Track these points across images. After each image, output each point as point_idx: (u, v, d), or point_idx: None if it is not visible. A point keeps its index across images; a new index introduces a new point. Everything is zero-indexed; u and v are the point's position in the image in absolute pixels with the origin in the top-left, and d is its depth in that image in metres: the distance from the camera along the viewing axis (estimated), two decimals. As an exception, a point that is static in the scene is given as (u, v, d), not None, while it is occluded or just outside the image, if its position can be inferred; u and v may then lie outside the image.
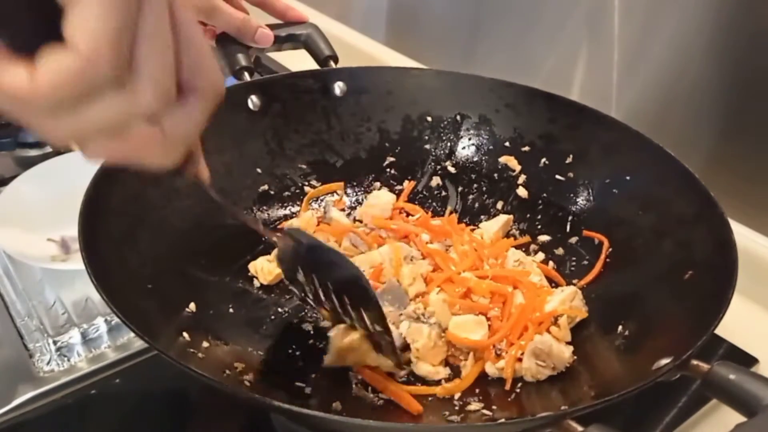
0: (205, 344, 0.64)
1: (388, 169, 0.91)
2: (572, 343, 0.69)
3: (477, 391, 0.66)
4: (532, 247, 0.84)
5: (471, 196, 0.90)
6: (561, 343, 0.67)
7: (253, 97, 0.85)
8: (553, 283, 0.78)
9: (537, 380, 0.66)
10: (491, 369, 0.67)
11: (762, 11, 0.87)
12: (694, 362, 0.53)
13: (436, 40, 1.37)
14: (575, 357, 0.67)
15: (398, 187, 0.90)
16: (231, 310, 0.73)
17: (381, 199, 0.86)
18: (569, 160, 0.85)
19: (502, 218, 0.85)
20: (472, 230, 0.85)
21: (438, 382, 0.67)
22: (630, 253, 0.75)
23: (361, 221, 0.86)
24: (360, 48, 1.40)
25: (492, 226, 0.84)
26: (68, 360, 0.74)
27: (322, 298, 0.64)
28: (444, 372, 0.68)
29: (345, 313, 0.63)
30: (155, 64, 0.36)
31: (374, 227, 0.84)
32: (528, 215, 0.86)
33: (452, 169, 0.91)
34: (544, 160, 0.87)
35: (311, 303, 0.68)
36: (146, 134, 0.38)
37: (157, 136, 0.38)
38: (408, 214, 0.86)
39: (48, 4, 0.33)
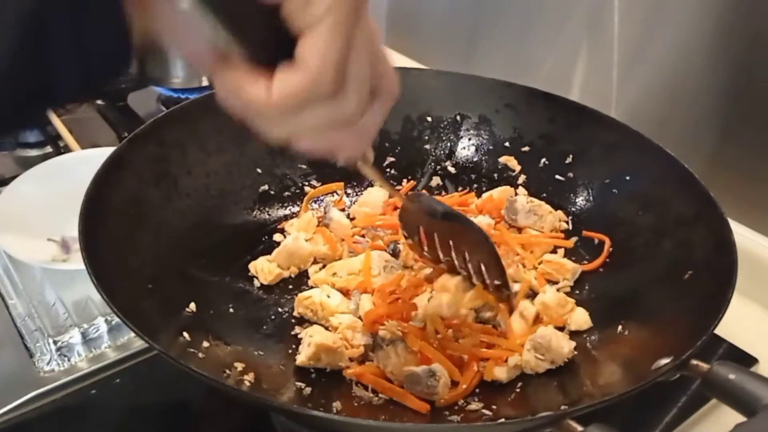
0: (206, 344, 0.64)
1: (388, 169, 0.91)
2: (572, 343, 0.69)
3: (477, 390, 0.66)
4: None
5: (471, 197, 0.89)
6: (561, 338, 0.67)
7: (254, 97, 0.84)
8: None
9: (536, 373, 0.66)
10: (501, 374, 0.66)
11: (762, 12, 0.87)
12: (694, 362, 0.53)
13: (436, 40, 1.37)
14: (575, 352, 0.67)
15: (398, 188, 0.90)
16: (231, 310, 0.73)
17: (372, 195, 0.86)
18: (569, 160, 0.85)
19: (502, 189, 0.86)
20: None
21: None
22: (630, 253, 0.75)
23: (354, 218, 0.86)
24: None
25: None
26: (68, 360, 0.74)
27: (440, 254, 0.72)
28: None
29: (463, 267, 0.71)
30: (361, 79, 0.43)
31: (364, 226, 0.84)
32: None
33: (452, 169, 0.91)
34: (544, 160, 0.87)
35: (425, 257, 0.74)
36: (344, 132, 0.46)
37: (351, 134, 0.46)
38: (395, 208, 0.87)
39: (285, 29, 0.39)
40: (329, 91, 0.41)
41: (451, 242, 0.71)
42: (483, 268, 0.70)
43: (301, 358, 0.66)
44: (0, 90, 0.39)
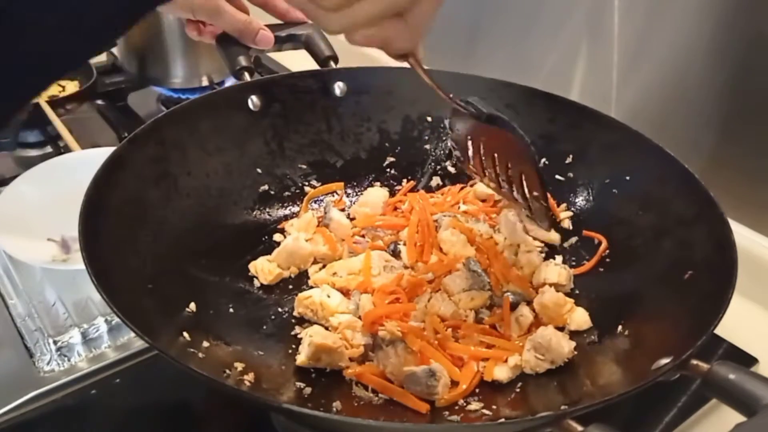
0: (206, 344, 0.64)
1: (388, 169, 0.91)
2: (572, 343, 0.69)
3: (477, 390, 0.66)
4: (532, 247, 0.83)
5: (471, 196, 0.89)
6: (560, 338, 0.67)
7: (253, 97, 0.85)
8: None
9: (536, 373, 0.66)
10: (501, 374, 0.66)
11: (762, 12, 0.87)
12: (694, 362, 0.53)
13: (436, 40, 1.36)
14: (575, 352, 0.67)
15: (398, 188, 0.90)
16: (231, 310, 0.73)
17: (372, 195, 0.86)
18: (569, 160, 0.85)
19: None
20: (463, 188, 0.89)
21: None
22: (630, 252, 0.75)
23: (354, 218, 0.86)
24: (360, 48, 1.39)
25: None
26: (68, 360, 0.74)
27: (483, 165, 0.74)
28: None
29: (506, 180, 0.72)
30: None
31: (364, 226, 0.84)
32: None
33: (452, 169, 0.91)
34: (544, 160, 0.87)
35: (473, 171, 0.76)
36: (396, 25, 0.50)
37: (403, 26, 0.50)
38: (395, 208, 0.87)
39: None
40: None
41: (495, 155, 0.72)
42: (523, 178, 0.70)
43: (301, 358, 0.66)
44: None
